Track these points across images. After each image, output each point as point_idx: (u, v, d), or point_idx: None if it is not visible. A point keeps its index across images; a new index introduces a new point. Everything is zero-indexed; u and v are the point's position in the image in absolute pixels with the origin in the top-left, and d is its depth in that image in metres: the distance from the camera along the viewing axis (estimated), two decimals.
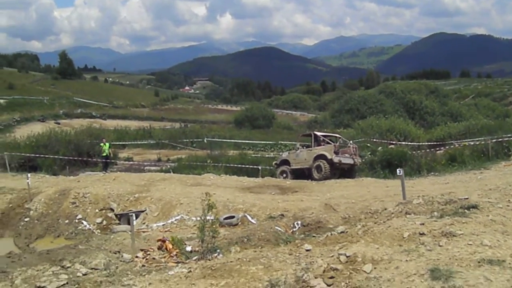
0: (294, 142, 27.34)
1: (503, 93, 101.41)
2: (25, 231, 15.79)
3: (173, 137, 40.16)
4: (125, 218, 15.90)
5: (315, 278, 5.70)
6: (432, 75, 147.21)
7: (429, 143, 30.93)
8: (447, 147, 27.24)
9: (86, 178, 20.78)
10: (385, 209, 10.72)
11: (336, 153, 21.77)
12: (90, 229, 15.48)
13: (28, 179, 18.10)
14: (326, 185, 19.14)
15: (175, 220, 14.70)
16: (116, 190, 17.31)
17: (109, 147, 27.49)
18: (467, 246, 6.07)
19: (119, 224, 15.78)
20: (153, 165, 29.45)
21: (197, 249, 8.94)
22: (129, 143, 38.52)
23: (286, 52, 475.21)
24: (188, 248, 9.62)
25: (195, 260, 8.23)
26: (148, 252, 9.27)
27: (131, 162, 30.80)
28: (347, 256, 6.11)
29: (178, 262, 8.41)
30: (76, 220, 15.82)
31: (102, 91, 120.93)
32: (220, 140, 37.54)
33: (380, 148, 26.42)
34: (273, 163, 24.69)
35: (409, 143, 29.68)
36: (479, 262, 5.51)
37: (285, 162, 23.48)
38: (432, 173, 20.98)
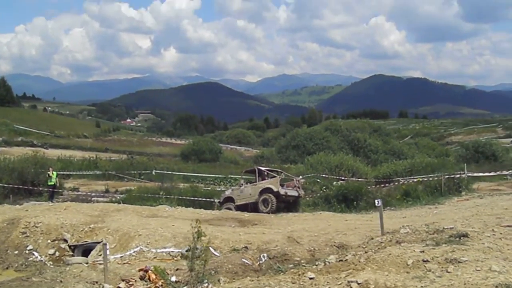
0: (243, 177, 27.33)
1: (440, 133, 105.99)
2: None
3: (120, 168, 39.22)
4: (79, 249, 15.21)
5: None
6: (371, 114, 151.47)
7: (376, 180, 31.58)
8: (392, 184, 28.00)
9: (34, 207, 19.82)
10: (372, 238, 10.72)
11: (281, 185, 22.24)
12: (42, 260, 14.64)
13: None
14: (285, 218, 19.14)
15: (134, 252, 14.14)
16: (69, 220, 16.54)
17: (56, 176, 26.56)
18: (476, 272, 6.11)
19: (73, 255, 15.04)
20: (101, 196, 28.58)
21: (180, 279, 8.60)
22: (75, 173, 37.34)
23: (229, 88, 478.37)
24: (173, 278, 9.24)
25: None
26: (131, 283, 8.81)
27: (78, 193, 29.77)
28: (358, 283, 6.01)
29: None
30: (27, 251, 14.93)
31: (41, 120, 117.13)
32: (168, 172, 37.00)
33: (334, 183, 26.76)
34: (216, 201, 24.53)
35: (358, 179, 30.21)
36: (496, 287, 5.54)
37: (229, 199, 23.54)
38: (388, 207, 21.38)
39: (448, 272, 6.20)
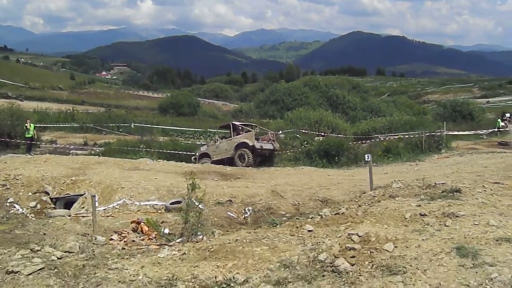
0: (222, 131, 27.30)
1: (417, 92, 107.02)
2: None
3: (98, 121, 38.72)
4: (61, 201, 15.03)
5: (336, 257, 5.58)
6: (349, 71, 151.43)
7: (355, 136, 31.80)
8: (372, 140, 28.27)
9: (13, 159, 19.45)
10: (364, 192, 10.79)
11: (257, 139, 22.37)
12: (23, 213, 14.39)
13: None
14: (267, 172, 19.16)
15: (117, 204, 14.01)
16: (50, 173, 16.26)
17: (34, 128, 26.09)
18: (474, 226, 6.19)
19: (54, 208, 14.87)
20: (79, 149, 28.28)
21: (172, 231, 8.57)
22: (51, 125, 36.76)
23: (206, 42, 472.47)
24: (166, 231, 9.19)
25: (179, 242, 7.87)
26: (123, 235, 8.72)
27: (55, 145, 29.40)
28: (359, 236, 6.03)
29: (160, 245, 7.97)
30: (8, 204, 14.63)
31: (15, 71, 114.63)
32: (147, 125, 36.70)
33: (316, 138, 26.88)
34: (192, 158, 24.48)
35: (338, 135, 30.36)
36: (497, 240, 5.62)
37: (205, 155, 23.58)
38: None
39: (447, 226, 6.27)
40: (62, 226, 12.11)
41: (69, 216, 13.49)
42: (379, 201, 8.13)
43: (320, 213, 8.17)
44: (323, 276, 5.48)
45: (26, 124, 25.60)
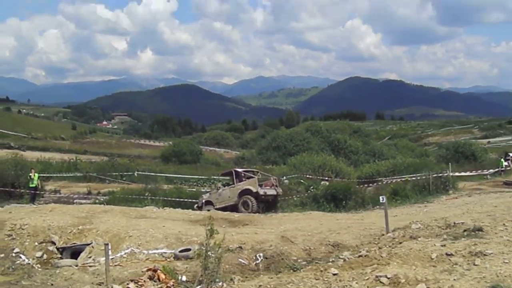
0: (226, 178, 27.25)
1: (417, 134, 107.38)
2: None
3: (101, 170, 38.64)
4: (68, 251, 14.82)
5: None
6: (349, 116, 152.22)
7: (359, 180, 31.67)
8: (376, 183, 28.17)
9: (18, 209, 19.30)
10: (382, 234, 10.61)
11: (260, 185, 22.31)
12: (29, 263, 14.17)
13: None
14: (275, 218, 18.99)
15: (125, 253, 13.80)
16: (56, 222, 16.09)
17: (38, 178, 26.03)
18: (505, 264, 6.05)
19: (61, 258, 14.64)
20: (83, 198, 28.11)
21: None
22: (55, 175, 36.68)
23: (206, 90, 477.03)
24: (184, 278, 8.99)
25: None
26: (140, 283, 8.50)
27: (59, 195, 29.25)
28: (388, 278, 5.87)
29: None
30: (13, 254, 14.42)
31: (16, 122, 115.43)
32: (151, 174, 36.63)
33: (322, 183, 26.78)
34: (195, 206, 24.31)
35: (342, 180, 30.25)
36: None
37: (208, 203, 23.48)
38: (377, 206, 21.40)
39: (476, 265, 6.13)
40: (70, 276, 11.91)
41: (76, 266, 13.27)
42: (400, 243, 7.99)
43: (341, 256, 8.00)
44: None
45: (31, 174, 25.54)
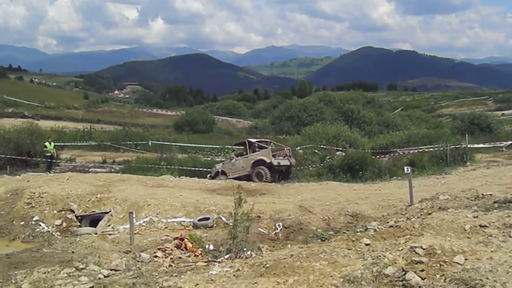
0: (240, 147, 27.19)
1: (430, 106, 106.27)
2: None
3: (115, 139, 38.69)
4: (87, 219, 14.93)
5: (404, 271, 5.35)
6: (361, 87, 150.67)
7: (373, 151, 31.48)
8: (391, 154, 28.00)
9: (36, 178, 19.42)
10: (409, 205, 10.52)
11: (273, 156, 22.35)
12: (49, 231, 14.30)
13: None
14: (292, 188, 18.95)
15: (144, 222, 13.87)
16: (74, 191, 16.19)
17: (54, 146, 26.15)
18: None
19: (80, 226, 14.75)
20: (98, 167, 28.25)
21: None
22: (69, 144, 36.85)
23: (217, 60, 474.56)
24: (211, 247, 9.00)
25: (228, 258, 7.68)
26: (168, 251, 8.50)
27: (74, 164, 29.43)
28: (423, 249, 5.81)
29: (208, 261, 7.77)
30: (33, 222, 14.56)
31: (29, 91, 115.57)
32: (165, 143, 36.65)
33: (338, 153, 26.68)
34: (208, 176, 24.30)
35: (356, 150, 30.08)
36: None
37: (221, 172, 23.51)
38: (394, 177, 21.32)
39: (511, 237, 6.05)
40: (91, 244, 11.97)
41: (96, 234, 13.37)
42: (429, 214, 7.90)
43: (370, 227, 7.94)
44: None
45: (47, 142, 25.63)
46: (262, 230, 11.82)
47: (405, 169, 11.94)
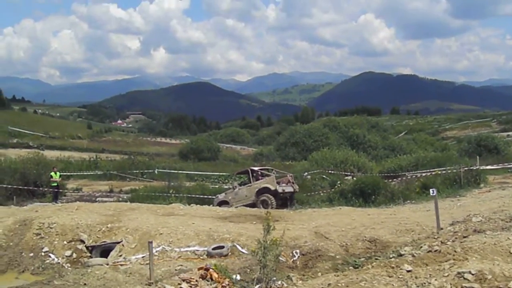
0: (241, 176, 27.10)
1: (434, 129, 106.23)
2: None
3: (121, 168, 38.59)
4: (97, 250, 14.58)
5: None
6: (364, 112, 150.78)
7: (382, 174, 31.21)
8: (399, 178, 27.72)
9: (44, 208, 19.13)
10: (441, 228, 10.19)
11: (277, 183, 22.16)
12: (59, 262, 13.95)
13: None
14: (305, 214, 18.62)
15: (156, 251, 13.52)
16: (84, 221, 15.85)
17: (59, 176, 25.97)
18: None
19: (91, 257, 14.39)
20: (105, 196, 28.02)
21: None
22: (75, 173, 36.69)
23: (219, 88, 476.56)
24: (238, 277, 8.65)
25: None
26: (193, 283, 8.15)
27: (81, 193, 29.21)
28: (472, 274, 5.49)
29: None
30: (43, 253, 14.20)
31: (33, 122, 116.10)
32: (171, 171, 36.42)
33: (347, 177, 26.42)
34: (210, 206, 24.08)
35: (364, 175, 29.83)
36: None
37: (223, 202, 23.19)
38: (408, 201, 21.01)
39: None
40: (103, 275, 11.61)
41: (107, 264, 13.01)
42: (464, 237, 7.58)
43: (403, 252, 7.61)
44: None
45: (52, 172, 25.48)
46: (280, 258, 11.46)
47: (431, 192, 11.62)
